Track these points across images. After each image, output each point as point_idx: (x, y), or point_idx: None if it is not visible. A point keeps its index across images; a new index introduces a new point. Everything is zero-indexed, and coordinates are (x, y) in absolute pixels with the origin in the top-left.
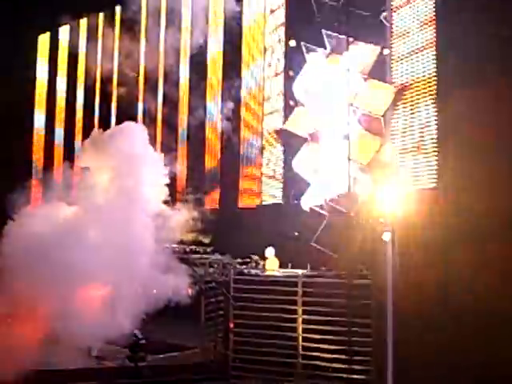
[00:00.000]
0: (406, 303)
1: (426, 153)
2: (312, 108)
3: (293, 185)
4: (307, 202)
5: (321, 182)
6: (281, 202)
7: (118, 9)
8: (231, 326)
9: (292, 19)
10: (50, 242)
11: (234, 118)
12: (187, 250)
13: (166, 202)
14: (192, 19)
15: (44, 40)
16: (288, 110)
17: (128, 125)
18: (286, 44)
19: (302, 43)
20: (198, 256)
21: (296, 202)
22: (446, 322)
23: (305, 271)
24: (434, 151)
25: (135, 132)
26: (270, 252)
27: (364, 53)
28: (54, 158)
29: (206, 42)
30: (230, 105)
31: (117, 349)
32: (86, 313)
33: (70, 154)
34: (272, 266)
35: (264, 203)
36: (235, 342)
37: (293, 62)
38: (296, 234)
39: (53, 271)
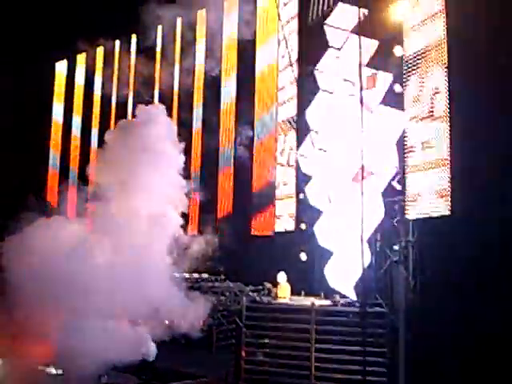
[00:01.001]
0: (421, 332)
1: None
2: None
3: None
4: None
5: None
6: (293, 229)
7: (133, 37)
8: (243, 354)
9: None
10: (59, 262)
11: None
12: (199, 278)
13: (182, 227)
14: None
15: (60, 69)
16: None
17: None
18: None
19: (316, 70)
20: (210, 284)
21: (308, 230)
22: (466, 353)
23: (318, 299)
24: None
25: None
26: (281, 277)
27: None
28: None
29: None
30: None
31: (127, 376)
32: (96, 338)
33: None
34: (284, 291)
35: (277, 231)
36: (247, 371)
37: (306, 90)
38: (303, 257)
39: (62, 292)
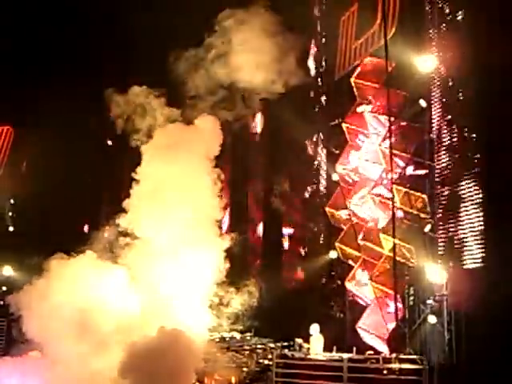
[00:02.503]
0: None
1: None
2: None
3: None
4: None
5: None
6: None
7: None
8: None
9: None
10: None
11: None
12: (228, 337)
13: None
14: None
15: None
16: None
17: None
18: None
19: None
20: (241, 341)
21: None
22: None
23: (350, 355)
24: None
25: None
26: (314, 329)
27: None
28: None
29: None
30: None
31: None
32: None
33: None
34: (317, 343)
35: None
36: None
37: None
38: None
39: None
